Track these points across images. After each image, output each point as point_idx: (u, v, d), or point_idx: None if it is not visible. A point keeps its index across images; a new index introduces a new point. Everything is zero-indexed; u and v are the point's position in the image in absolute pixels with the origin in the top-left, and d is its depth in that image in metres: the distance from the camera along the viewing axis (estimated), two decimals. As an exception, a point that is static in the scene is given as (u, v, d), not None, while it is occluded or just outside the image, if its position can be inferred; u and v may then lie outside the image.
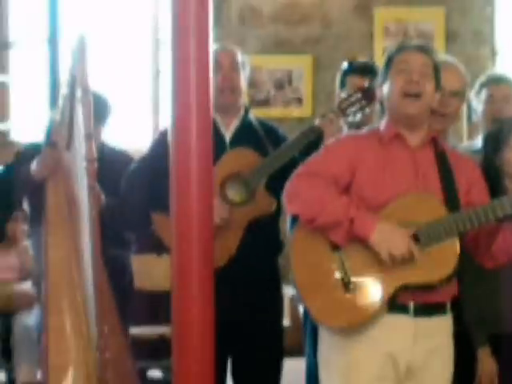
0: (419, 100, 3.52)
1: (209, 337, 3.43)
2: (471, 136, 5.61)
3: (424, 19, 8.02)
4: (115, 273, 4.64)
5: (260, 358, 4.58)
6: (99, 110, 4.56)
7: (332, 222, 3.44)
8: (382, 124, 3.67)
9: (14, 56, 7.98)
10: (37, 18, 7.86)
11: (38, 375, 5.55)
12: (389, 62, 3.63)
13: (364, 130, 3.89)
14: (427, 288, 3.42)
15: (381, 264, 3.41)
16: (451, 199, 3.49)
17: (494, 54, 8.24)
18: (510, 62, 8.32)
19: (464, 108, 5.60)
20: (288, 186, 3.60)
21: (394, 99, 3.57)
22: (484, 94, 4.82)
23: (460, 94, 4.30)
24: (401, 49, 3.68)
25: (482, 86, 4.86)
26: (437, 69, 3.63)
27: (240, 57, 4.64)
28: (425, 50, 3.68)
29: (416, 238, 3.40)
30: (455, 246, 3.40)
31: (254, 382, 4.67)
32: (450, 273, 3.39)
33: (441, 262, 3.40)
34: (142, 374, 5.94)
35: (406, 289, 3.41)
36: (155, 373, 6.64)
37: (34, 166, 4.56)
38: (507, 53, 8.38)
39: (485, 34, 8.18)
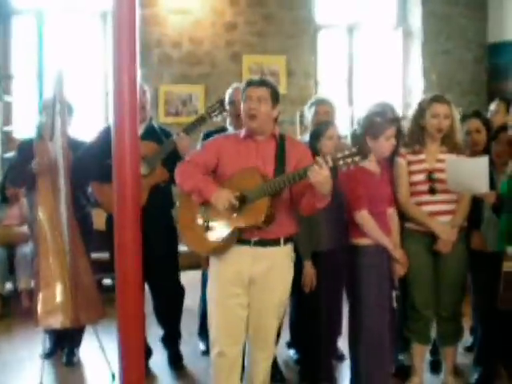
0: (255, 119, 3.47)
1: (137, 254, 3.50)
2: (301, 134, 5.69)
3: (273, 63, 7.94)
4: (82, 217, 4.67)
5: (164, 267, 4.63)
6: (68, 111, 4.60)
7: (189, 190, 3.53)
8: (242, 130, 3.62)
9: (15, 83, 7.81)
10: (29, 55, 7.69)
11: (32, 284, 5.54)
12: (243, 93, 3.58)
13: (228, 133, 3.84)
14: (254, 228, 3.41)
15: (224, 215, 3.41)
16: (279, 172, 3.44)
17: (316, 84, 8.36)
18: (325, 89, 8.49)
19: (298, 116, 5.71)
20: (177, 166, 3.66)
21: (243, 118, 3.56)
22: (313, 109, 4.82)
23: None
24: (247, 84, 3.58)
25: (312, 104, 4.88)
26: (274, 91, 3.54)
27: (144, 87, 4.62)
28: (261, 82, 3.58)
29: (244, 197, 3.39)
30: (266, 201, 3.35)
31: (162, 282, 4.68)
32: (263, 219, 3.35)
33: (258, 212, 3.37)
34: (99, 282, 6.00)
35: (240, 230, 3.42)
36: (107, 281, 6.65)
37: (33, 163, 4.52)
38: (324, 83, 8.55)
39: (311, 72, 8.27)
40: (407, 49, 8.95)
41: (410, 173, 4.14)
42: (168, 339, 4.89)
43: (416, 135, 4.16)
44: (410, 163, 4.14)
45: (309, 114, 4.92)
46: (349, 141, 4.31)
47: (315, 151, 3.99)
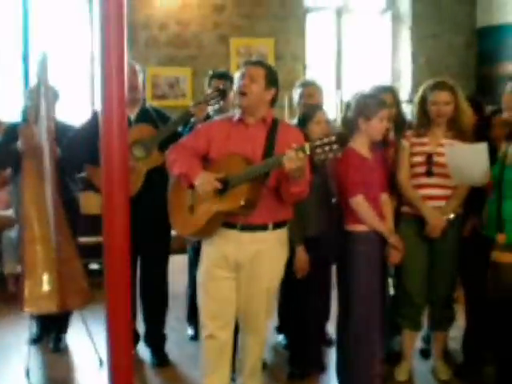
0: (245, 97, 3.43)
1: (126, 240, 3.46)
2: (290, 117, 5.69)
3: (261, 45, 7.94)
4: (68, 202, 4.61)
5: (156, 253, 4.61)
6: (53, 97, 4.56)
7: (177, 174, 3.51)
8: (236, 112, 3.56)
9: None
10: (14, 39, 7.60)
11: (18, 268, 5.49)
12: (238, 72, 3.56)
13: (224, 115, 3.78)
14: (233, 214, 3.38)
15: (208, 198, 3.39)
16: (268, 156, 3.37)
17: (304, 68, 8.31)
18: (314, 72, 8.44)
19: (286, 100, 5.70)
20: (168, 150, 3.65)
21: (235, 96, 3.54)
22: (299, 91, 4.90)
23: None
24: (244, 63, 3.60)
25: (298, 86, 4.96)
26: (271, 74, 3.50)
27: (136, 67, 4.54)
28: (257, 63, 3.60)
29: (226, 181, 3.36)
30: (246, 187, 3.31)
31: (153, 264, 4.63)
32: (241, 205, 3.31)
33: (237, 197, 3.32)
34: (86, 266, 5.92)
35: (225, 214, 3.39)
36: (94, 265, 6.61)
37: (18, 143, 4.45)
38: (313, 67, 8.50)
39: (299, 56, 8.22)
40: (396, 33, 8.92)
41: (411, 154, 4.13)
42: (151, 339, 4.74)
43: (421, 119, 4.15)
44: (412, 145, 4.14)
45: (296, 96, 4.97)
46: (338, 125, 4.27)
47: (305, 135, 3.93)
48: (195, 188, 3.44)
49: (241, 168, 3.36)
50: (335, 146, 3.10)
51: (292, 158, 3.14)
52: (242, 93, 3.46)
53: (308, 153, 3.14)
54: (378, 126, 3.80)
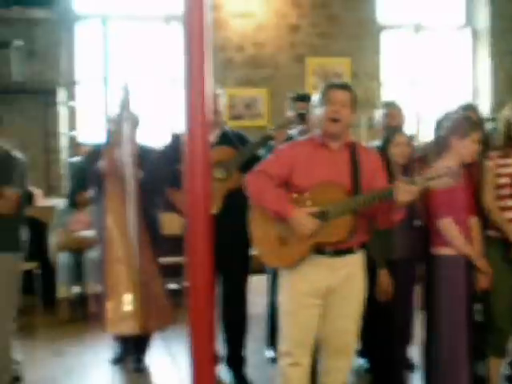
0: (338, 123, 3.38)
1: (209, 261, 3.45)
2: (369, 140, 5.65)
3: (337, 64, 7.97)
4: (150, 223, 4.66)
5: (236, 274, 4.61)
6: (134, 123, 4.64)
7: (264, 208, 3.43)
8: (317, 134, 3.50)
9: (78, 89, 7.89)
10: (95, 63, 7.81)
11: (99, 288, 5.57)
12: (322, 96, 3.45)
13: (305, 137, 3.71)
14: (333, 244, 3.37)
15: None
16: (355, 186, 3.36)
17: (379, 85, 8.26)
18: (390, 90, 8.39)
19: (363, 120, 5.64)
20: (247, 176, 3.56)
21: (323, 121, 3.42)
22: (381, 112, 4.90)
23: None
24: (329, 87, 3.47)
25: (382, 107, 4.96)
26: (355, 97, 3.46)
27: (219, 91, 4.57)
28: (344, 86, 3.49)
29: (325, 213, 3.31)
30: (350, 218, 3.30)
31: (233, 286, 4.63)
32: (346, 236, 3.32)
33: (340, 229, 3.31)
34: (165, 286, 5.96)
35: (319, 244, 3.36)
36: (173, 285, 6.65)
37: (100, 163, 4.56)
38: (388, 84, 8.44)
39: (374, 74, 8.19)
40: (474, 49, 8.77)
41: (496, 176, 4.04)
42: (232, 361, 4.75)
43: (506, 140, 4.07)
44: (497, 166, 4.05)
45: (379, 117, 5.01)
46: (417, 142, 4.23)
47: (387, 158, 4.03)
48: (286, 220, 3.37)
49: (339, 198, 3.34)
50: (446, 179, 3.14)
51: (404, 192, 3.17)
52: (335, 119, 3.40)
53: (420, 186, 3.18)
54: (470, 146, 3.76)
